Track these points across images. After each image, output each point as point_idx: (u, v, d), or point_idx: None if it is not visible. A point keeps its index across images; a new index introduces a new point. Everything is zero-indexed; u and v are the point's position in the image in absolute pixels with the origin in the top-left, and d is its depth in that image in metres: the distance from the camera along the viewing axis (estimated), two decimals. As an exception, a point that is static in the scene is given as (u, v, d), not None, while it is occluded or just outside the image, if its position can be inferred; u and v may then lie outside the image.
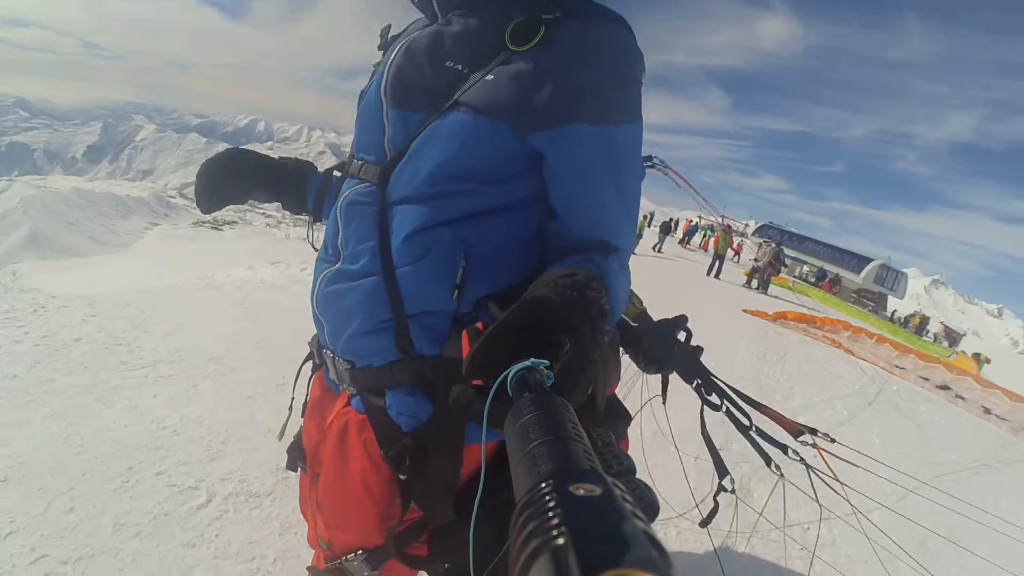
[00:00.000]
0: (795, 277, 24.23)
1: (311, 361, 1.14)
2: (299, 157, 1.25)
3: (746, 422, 1.29)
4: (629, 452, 0.39)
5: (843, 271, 30.59)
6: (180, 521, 1.82)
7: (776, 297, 13.00)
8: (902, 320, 30.49)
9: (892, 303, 32.88)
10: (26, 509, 1.73)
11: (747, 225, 38.48)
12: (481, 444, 0.84)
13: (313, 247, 1.21)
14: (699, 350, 1.25)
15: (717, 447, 1.39)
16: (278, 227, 23.29)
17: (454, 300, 0.82)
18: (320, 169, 1.22)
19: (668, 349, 1.21)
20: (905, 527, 2.26)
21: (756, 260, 14.81)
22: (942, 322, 52.52)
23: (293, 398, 1.21)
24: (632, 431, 1.09)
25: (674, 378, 1.34)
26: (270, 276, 5.72)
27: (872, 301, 29.84)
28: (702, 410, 1.29)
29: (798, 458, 1.32)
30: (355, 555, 0.93)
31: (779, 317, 8.92)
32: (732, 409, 1.26)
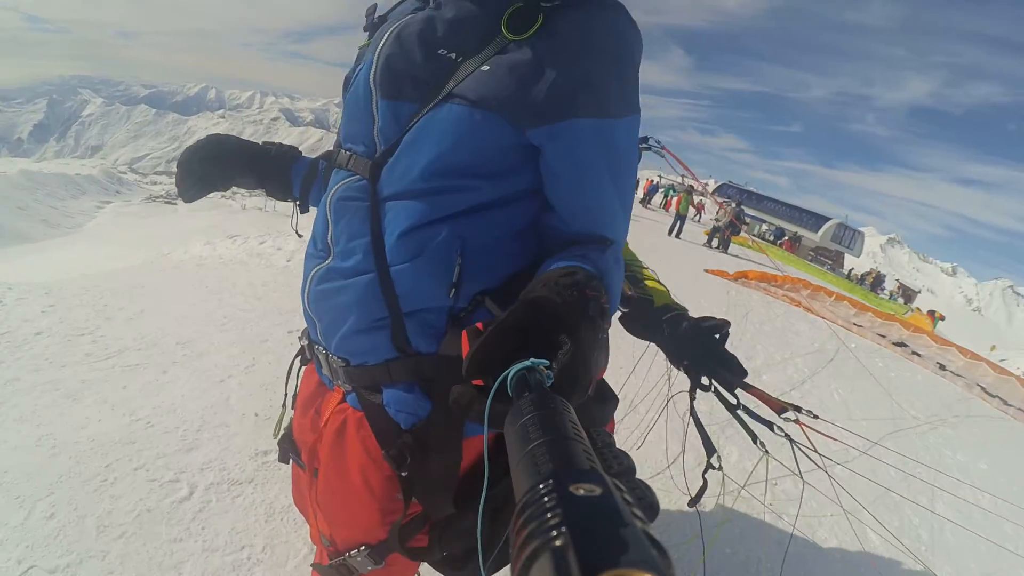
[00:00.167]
0: (754, 236, 24.61)
1: (301, 356, 1.13)
2: (267, 138, 1.20)
3: (733, 401, 1.34)
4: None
5: (801, 230, 31.36)
6: (164, 517, 1.79)
7: (736, 256, 13.18)
8: (859, 278, 31.65)
9: (849, 261, 34.07)
10: (5, 519, 1.67)
11: (707, 184, 38.78)
12: (478, 437, 0.85)
13: (297, 233, 1.19)
14: (733, 358, 1.28)
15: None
16: (232, 199, 22.32)
17: (450, 297, 0.81)
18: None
19: (713, 359, 1.26)
20: (865, 482, 2.42)
21: (717, 220, 14.94)
22: (898, 279, 54.90)
23: (286, 395, 1.19)
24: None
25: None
26: (228, 251, 5.50)
27: (829, 259, 30.87)
28: (692, 390, 1.33)
29: (783, 434, 1.39)
30: (358, 551, 0.94)
31: (740, 276, 9.08)
32: (720, 388, 1.30)
